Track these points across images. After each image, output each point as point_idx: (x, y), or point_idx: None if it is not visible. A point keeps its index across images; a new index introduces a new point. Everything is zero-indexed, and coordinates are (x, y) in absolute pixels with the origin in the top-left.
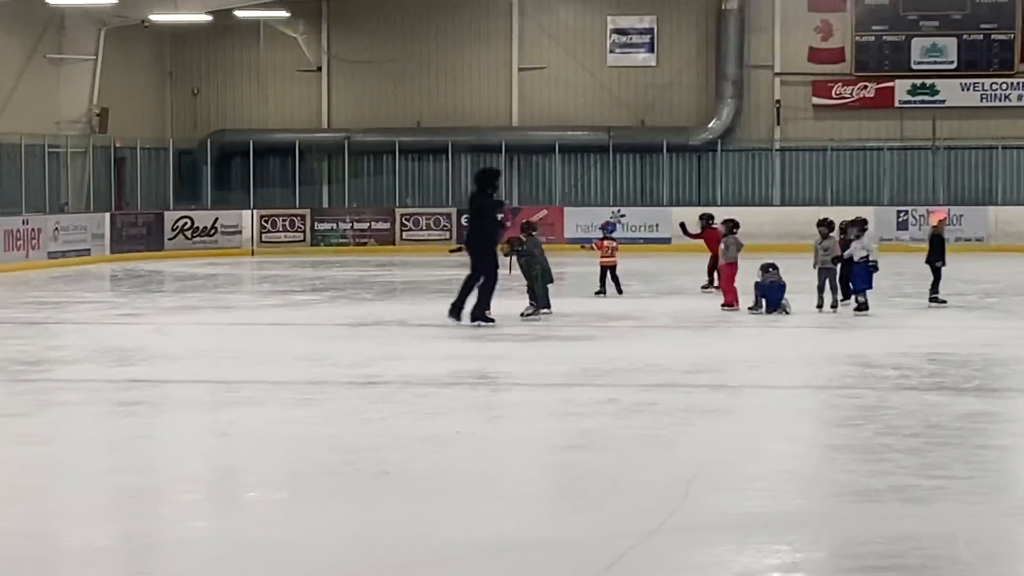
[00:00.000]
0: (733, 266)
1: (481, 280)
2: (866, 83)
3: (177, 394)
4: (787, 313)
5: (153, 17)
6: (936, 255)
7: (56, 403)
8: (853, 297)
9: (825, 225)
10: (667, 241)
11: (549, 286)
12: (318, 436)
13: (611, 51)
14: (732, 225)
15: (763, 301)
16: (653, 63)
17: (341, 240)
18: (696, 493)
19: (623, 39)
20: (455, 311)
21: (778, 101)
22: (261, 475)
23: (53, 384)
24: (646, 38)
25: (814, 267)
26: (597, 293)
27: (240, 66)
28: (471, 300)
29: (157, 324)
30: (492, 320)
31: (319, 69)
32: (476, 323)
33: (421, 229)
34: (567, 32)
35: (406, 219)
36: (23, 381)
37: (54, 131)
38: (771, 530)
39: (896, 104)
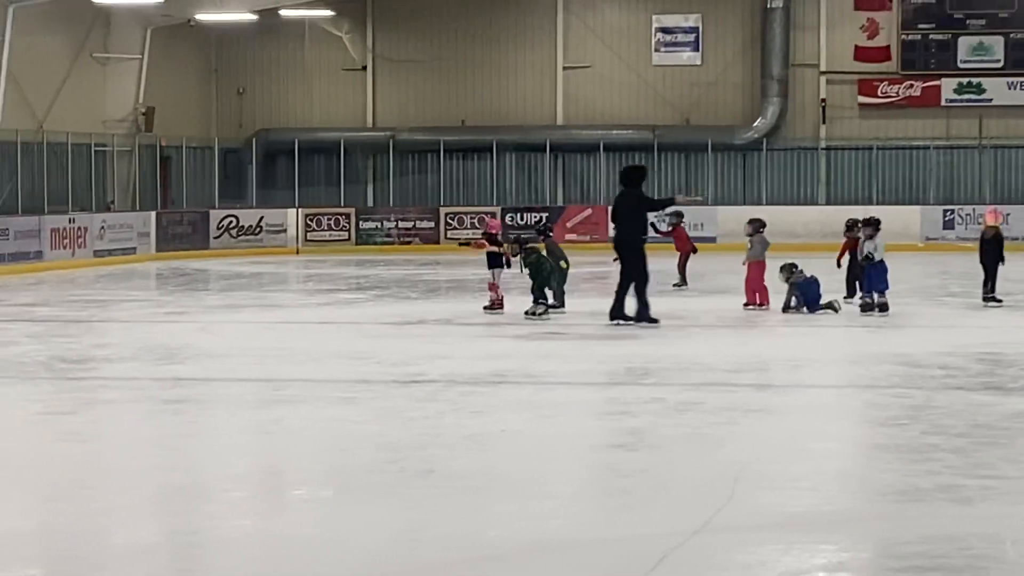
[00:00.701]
0: (760, 265)
1: (635, 281)
2: (912, 82)
3: (222, 392)
4: (836, 311)
5: (199, 16)
6: (997, 254)
7: (102, 401)
8: (860, 297)
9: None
10: (712, 240)
11: (564, 285)
12: (363, 434)
13: (656, 50)
14: (759, 224)
15: (799, 300)
16: (698, 62)
17: (386, 239)
18: (742, 492)
19: (668, 38)
20: (617, 314)
21: (823, 100)
22: (306, 473)
23: (99, 382)
24: (691, 37)
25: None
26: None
27: (285, 65)
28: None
29: (202, 322)
30: (656, 320)
31: (364, 68)
32: (641, 323)
33: (465, 228)
34: (612, 31)
35: (450, 218)
36: (69, 379)
37: (100, 130)
38: (816, 529)
39: (942, 103)
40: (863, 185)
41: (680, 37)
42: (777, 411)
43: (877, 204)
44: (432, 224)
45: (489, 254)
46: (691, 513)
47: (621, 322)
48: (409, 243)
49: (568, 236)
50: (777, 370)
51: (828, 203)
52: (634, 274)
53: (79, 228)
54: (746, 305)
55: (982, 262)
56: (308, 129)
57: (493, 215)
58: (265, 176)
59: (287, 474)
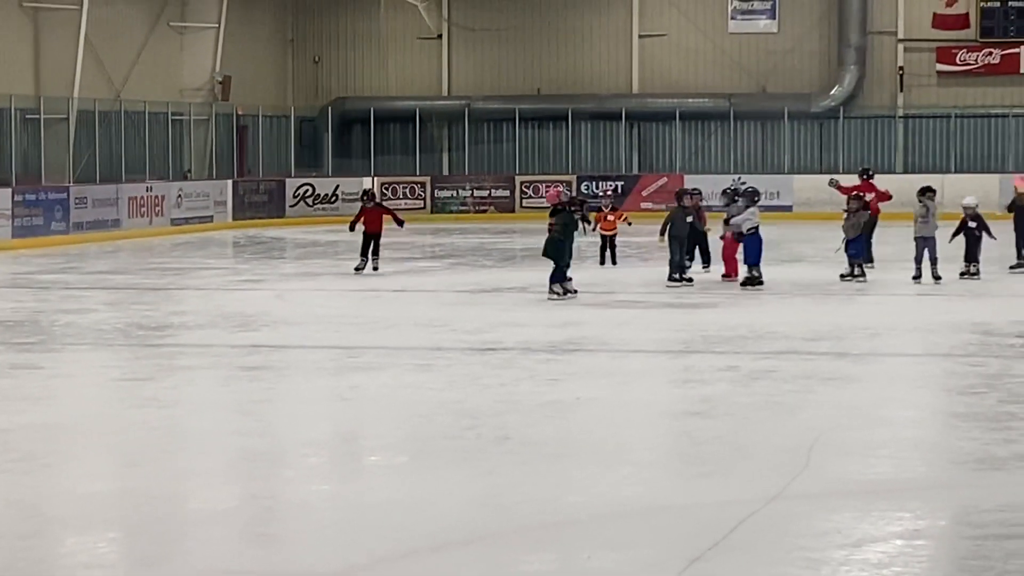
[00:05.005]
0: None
1: None
2: (991, 49)
3: (299, 359)
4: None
5: None
6: None
7: (180, 367)
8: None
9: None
10: (788, 209)
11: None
12: (439, 401)
13: (732, 17)
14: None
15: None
16: (774, 30)
17: (461, 207)
18: (818, 460)
19: (744, 5)
20: None
21: (901, 68)
22: (382, 439)
23: (176, 349)
24: (767, 4)
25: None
26: (602, 264)
27: (361, 34)
28: None
29: (279, 290)
30: None
31: (439, 36)
32: None
33: (541, 196)
34: None
35: (526, 187)
36: (147, 346)
37: (177, 99)
38: (893, 497)
39: (1022, 70)
40: (941, 154)
41: (756, 4)
42: (854, 379)
43: (955, 173)
44: (507, 192)
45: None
46: (767, 480)
47: None
48: (484, 211)
49: (643, 204)
50: (854, 338)
51: (905, 172)
52: None
53: (156, 196)
54: (724, 276)
55: (1017, 229)
56: (384, 98)
57: (557, 184)
58: (341, 145)
59: (364, 440)
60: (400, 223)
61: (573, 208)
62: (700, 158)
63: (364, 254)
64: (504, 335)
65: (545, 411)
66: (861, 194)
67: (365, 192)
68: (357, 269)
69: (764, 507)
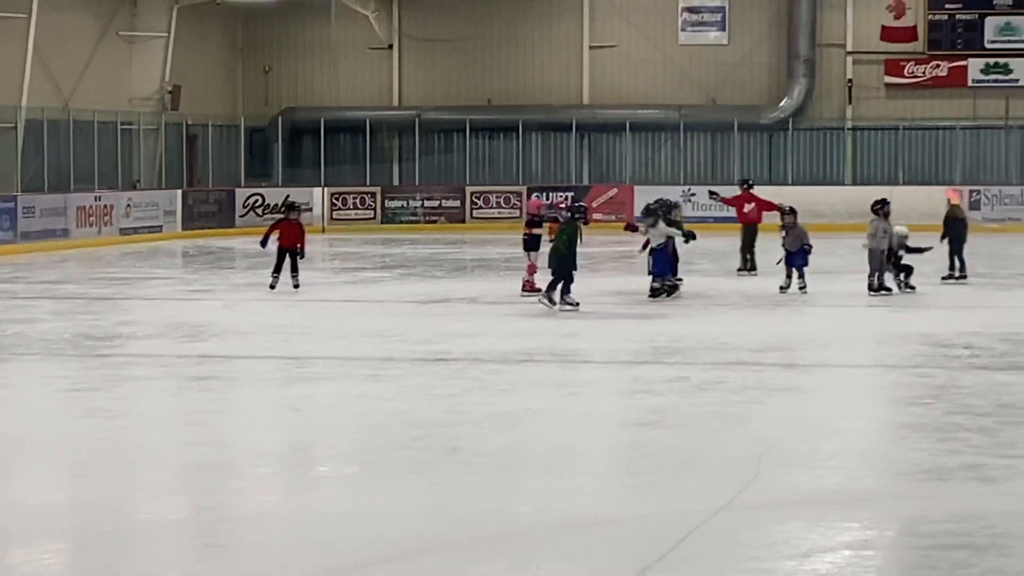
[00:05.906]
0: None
1: None
2: (939, 62)
3: (248, 369)
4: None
5: None
6: (962, 235)
7: (128, 378)
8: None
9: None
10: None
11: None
12: (389, 412)
13: (682, 29)
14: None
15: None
16: (725, 41)
17: (411, 218)
18: (767, 470)
19: (694, 17)
20: None
21: (850, 80)
22: (332, 450)
23: (125, 359)
24: (718, 16)
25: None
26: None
27: (311, 44)
28: None
29: (228, 300)
30: None
31: (390, 47)
32: None
33: (491, 207)
34: (638, 10)
35: (476, 197)
36: (95, 356)
37: (127, 108)
38: (842, 508)
39: (969, 83)
40: (889, 166)
41: (707, 16)
42: (803, 390)
43: (904, 184)
44: (458, 203)
45: (528, 236)
46: (716, 491)
47: None
48: (435, 222)
49: (594, 216)
50: (803, 349)
51: (854, 184)
52: None
53: (105, 206)
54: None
55: (952, 240)
56: (334, 108)
57: (537, 194)
58: (291, 155)
59: (313, 451)
60: (302, 255)
61: (577, 217)
62: (650, 169)
63: (278, 271)
64: (454, 345)
65: (495, 422)
66: (793, 209)
67: (291, 205)
68: (272, 287)
69: (713, 517)
